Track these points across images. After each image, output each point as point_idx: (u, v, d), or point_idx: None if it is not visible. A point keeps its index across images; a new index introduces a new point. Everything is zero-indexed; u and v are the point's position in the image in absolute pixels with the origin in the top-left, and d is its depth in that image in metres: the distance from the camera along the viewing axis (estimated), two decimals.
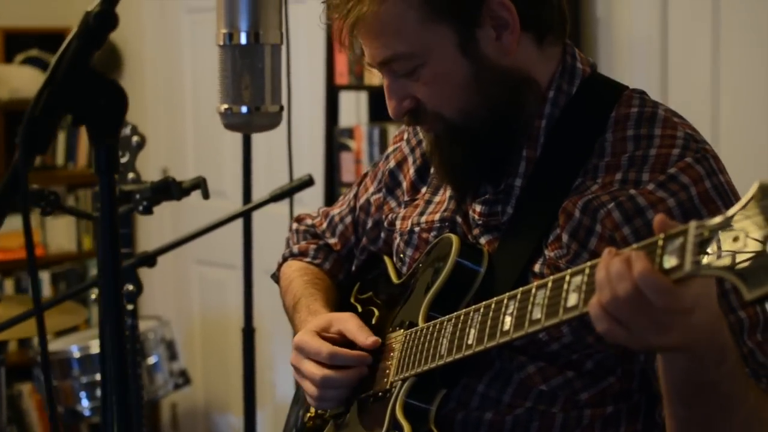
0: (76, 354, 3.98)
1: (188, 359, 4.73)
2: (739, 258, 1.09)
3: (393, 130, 3.69)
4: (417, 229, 1.70)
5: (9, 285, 4.99)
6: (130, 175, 2.41)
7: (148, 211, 2.28)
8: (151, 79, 5.02)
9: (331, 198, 3.80)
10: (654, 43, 3.21)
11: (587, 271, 1.26)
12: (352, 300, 1.84)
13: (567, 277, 1.29)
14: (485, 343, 1.41)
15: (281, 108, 1.49)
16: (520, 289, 1.38)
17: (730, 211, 1.11)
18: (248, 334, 3.06)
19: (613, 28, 3.30)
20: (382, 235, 1.82)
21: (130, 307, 2.48)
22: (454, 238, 1.59)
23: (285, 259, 1.97)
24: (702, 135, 1.54)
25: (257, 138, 3.24)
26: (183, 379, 4.30)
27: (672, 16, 3.17)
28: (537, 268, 1.52)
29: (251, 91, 1.42)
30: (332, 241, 1.92)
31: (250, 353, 3.05)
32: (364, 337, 1.64)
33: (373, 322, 1.73)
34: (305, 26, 3.60)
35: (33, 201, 2.21)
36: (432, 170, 1.71)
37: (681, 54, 3.16)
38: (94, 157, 1.14)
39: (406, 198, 1.76)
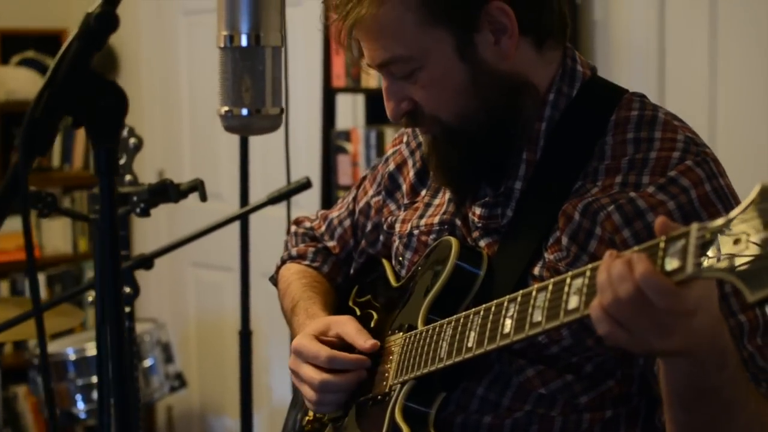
0: (72, 356, 3.98)
1: (184, 362, 4.72)
2: (741, 260, 1.09)
3: (390, 133, 3.69)
4: (416, 232, 1.70)
5: (4, 287, 4.98)
6: (127, 177, 2.41)
7: (145, 213, 2.27)
8: (147, 81, 5.02)
9: (327, 200, 3.79)
10: (651, 45, 3.21)
11: (588, 273, 1.26)
12: (350, 303, 1.83)
13: (568, 280, 1.29)
14: (485, 346, 1.41)
15: (282, 110, 1.48)
16: (521, 291, 1.37)
17: (732, 214, 1.11)
18: (245, 336, 3.05)
19: (611, 30, 3.30)
20: (381, 238, 1.82)
21: (126, 309, 2.47)
22: (453, 241, 1.59)
23: (283, 262, 1.97)
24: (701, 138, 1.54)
25: (254, 140, 3.24)
26: (179, 381, 4.29)
27: (669, 19, 3.17)
28: (536, 271, 1.51)
29: (252, 93, 1.42)
30: (331, 244, 1.92)
31: (247, 356, 3.05)
32: (363, 340, 1.63)
33: (372, 325, 1.72)
34: (302, 28, 3.60)
35: (31, 203, 2.21)
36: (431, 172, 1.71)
37: (678, 57, 3.17)
38: (94, 159, 1.13)
39: (405, 201, 1.76)
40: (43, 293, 5.01)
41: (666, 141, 1.49)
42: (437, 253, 1.62)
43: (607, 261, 1.21)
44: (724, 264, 1.10)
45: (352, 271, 1.90)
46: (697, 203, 1.44)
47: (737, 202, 1.45)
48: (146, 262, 2.49)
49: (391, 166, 1.81)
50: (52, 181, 5.09)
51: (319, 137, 3.87)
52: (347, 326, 1.67)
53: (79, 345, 4.05)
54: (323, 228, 1.94)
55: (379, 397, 1.59)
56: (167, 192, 2.25)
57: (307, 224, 1.98)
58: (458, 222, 1.64)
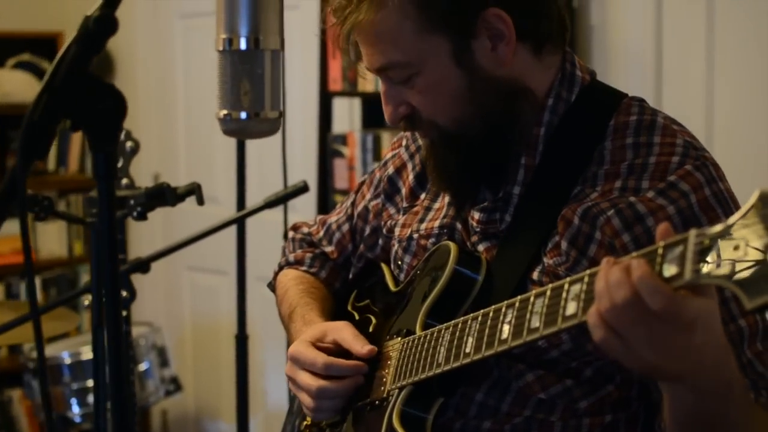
0: (67, 360, 3.97)
1: (179, 366, 4.71)
2: (740, 267, 1.08)
3: (387, 137, 3.69)
4: (416, 236, 1.69)
5: (0, 290, 4.97)
6: (124, 181, 2.40)
7: (142, 216, 2.26)
8: (143, 84, 5.01)
9: (324, 204, 3.79)
10: (648, 49, 3.21)
11: (586, 279, 1.25)
12: (349, 308, 1.83)
13: (565, 286, 1.28)
14: (483, 351, 1.40)
15: (281, 114, 1.47)
16: (519, 297, 1.37)
17: (731, 220, 1.11)
18: (241, 341, 3.05)
19: (608, 35, 3.30)
20: (380, 242, 1.81)
21: (123, 313, 2.46)
22: (452, 245, 1.59)
23: (281, 268, 1.96)
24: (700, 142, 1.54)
25: (250, 144, 3.23)
26: (174, 385, 4.28)
27: (666, 23, 3.18)
28: (536, 275, 1.51)
29: (250, 96, 1.41)
30: (329, 249, 1.92)
31: (243, 360, 3.04)
32: (360, 345, 1.63)
33: (370, 330, 1.72)
34: (299, 32, 3.59)
35: (28, 206, 2.20)
36: None
37: (675, 61, 3.17)
38: (92, 163, 1.13)
39: (404, 204, 1.76)
40: (39, 297, 5.00)
41: (665, 145, 1.49)
42: (436, 258, 1.61)
43: (605, 268, 1.20)
44: (722, 270, 1.09)
45: (350, 276, 1.89)
46: (697, 207, 1.44)
47: (737, 207, 1.45)
48: (143, 265, 2.49)
49: (390, 170, 1.80)
50: (48, 184, 5.09)
51: (315, 141, 3.87)
52: (344, 332, 1.66)
53: (74, 349, 4.04)
54: (321, 233, 1.93)
55: (377, 402, 1.58)
56: (164, 195, 2.25)
57: (305, 230, 1.98)
58: (458, 226, 1.64)
